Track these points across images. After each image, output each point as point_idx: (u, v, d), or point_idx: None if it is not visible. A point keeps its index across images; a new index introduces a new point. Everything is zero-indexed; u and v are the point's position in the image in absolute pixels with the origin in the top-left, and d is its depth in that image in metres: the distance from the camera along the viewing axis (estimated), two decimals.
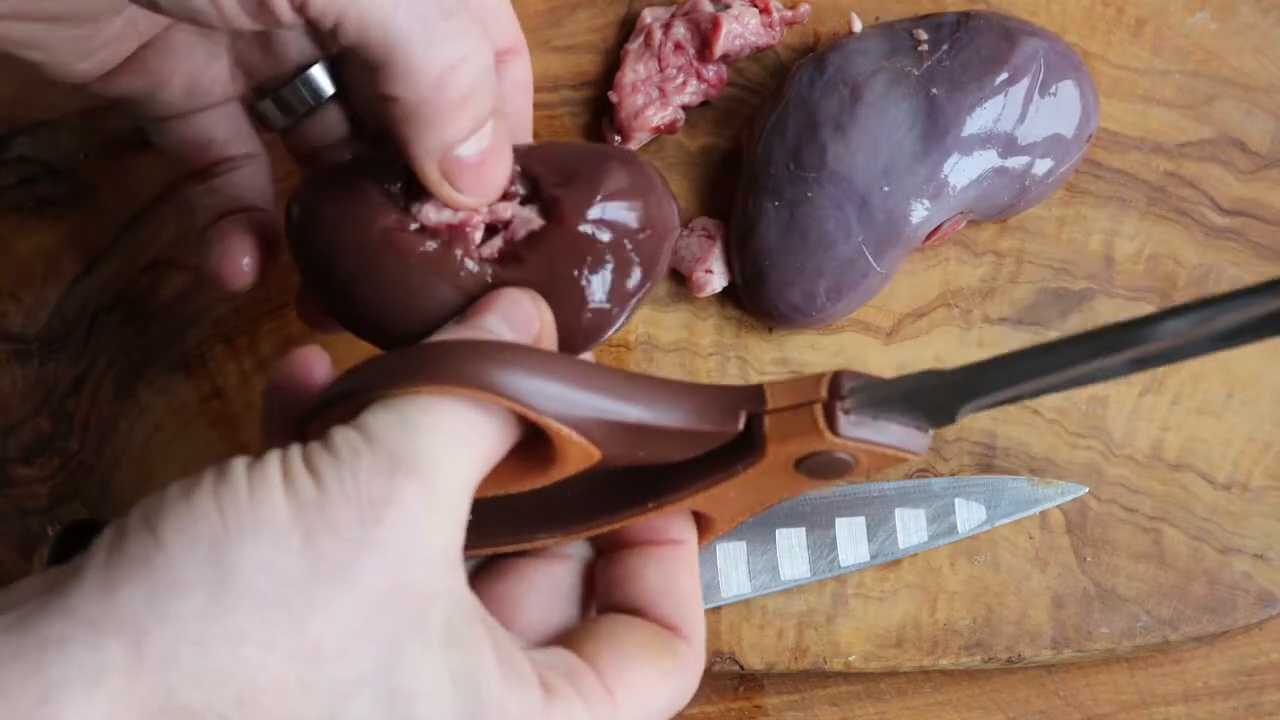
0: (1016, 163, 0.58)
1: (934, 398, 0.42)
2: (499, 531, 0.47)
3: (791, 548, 0.60)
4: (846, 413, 0.42)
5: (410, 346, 0.42)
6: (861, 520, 0.60)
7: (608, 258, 0.47)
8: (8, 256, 0.63)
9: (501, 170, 0.47)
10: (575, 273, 0.47)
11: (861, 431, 0.43)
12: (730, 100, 0.62)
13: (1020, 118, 0.57)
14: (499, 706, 0.39)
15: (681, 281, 0.61)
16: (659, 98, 0.61)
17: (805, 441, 0.43)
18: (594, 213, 0.47)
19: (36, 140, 0.63)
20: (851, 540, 0.60)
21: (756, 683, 0.62)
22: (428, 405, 0.40)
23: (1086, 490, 0.60)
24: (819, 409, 0.42)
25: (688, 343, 0.62)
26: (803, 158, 0.58)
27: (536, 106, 0.62)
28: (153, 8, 0.42)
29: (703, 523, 0.48)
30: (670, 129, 0.61)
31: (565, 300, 0.47)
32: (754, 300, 0.60)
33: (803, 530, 0.60)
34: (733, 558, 0.60)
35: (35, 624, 0.36)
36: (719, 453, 0.44)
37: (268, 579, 0.37)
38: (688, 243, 0.61)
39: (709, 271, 0.60)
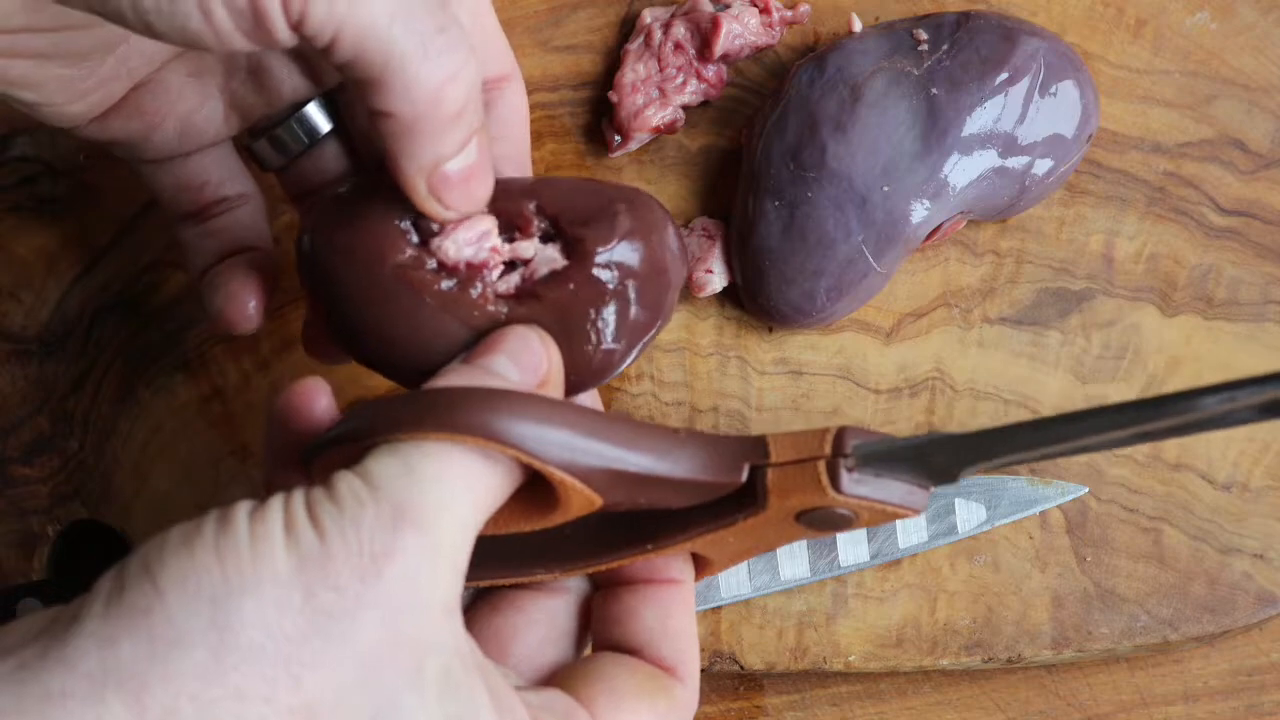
0: (1016, 163, 0.58)
1: (937, 459, 0.42)
2: (497, 566, 0.47)
3: (791, 548, 0.60)
4: (849, 470, 0.42)
5: (416, 390, 0.42)
6: None
7: (623, 298, 0.47)
8: (8, 256, 0.63)
9: (486, 184, 0.46)
10: (591, 312, 0.47)
11: (864, 489, 0.43)
12: (730, 100, 0.62)
13: (1020, 118, 0.57)
14: None
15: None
16: (659, 98, 0.61)
17: (807, 496, 0.43)
18: (614, 253, 0.47)
19: (36, 140, 0.63)
20: (851, 540, 0.60)
21: (756, 683, 0.62)
22: (433, 452, 0.40)
23: (1086, 490, 0.60)
24: (822, 465, 0.42)
25: (688, 343, 0.62)
26: (803, 158, 0.58)
27: (537, 106, 0.62)
28: (148, 33, 0.41)
29: (700, 562, 0.48)
30: (670, 129, 0.61)
31: (577, 339, 0.47)
32: (754, 300, 0.60)
33: None
34: None
35: (35, 676, 0.36)
36: (720, 502, 0.44)
37: (268, 635, 0.37)
38: (688, 243, 0.61)
39: (709, 271, 0.60)
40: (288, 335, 0.62)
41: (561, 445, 0.41)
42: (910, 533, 0.60)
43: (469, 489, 0.40)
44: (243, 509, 0.38)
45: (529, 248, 0.47)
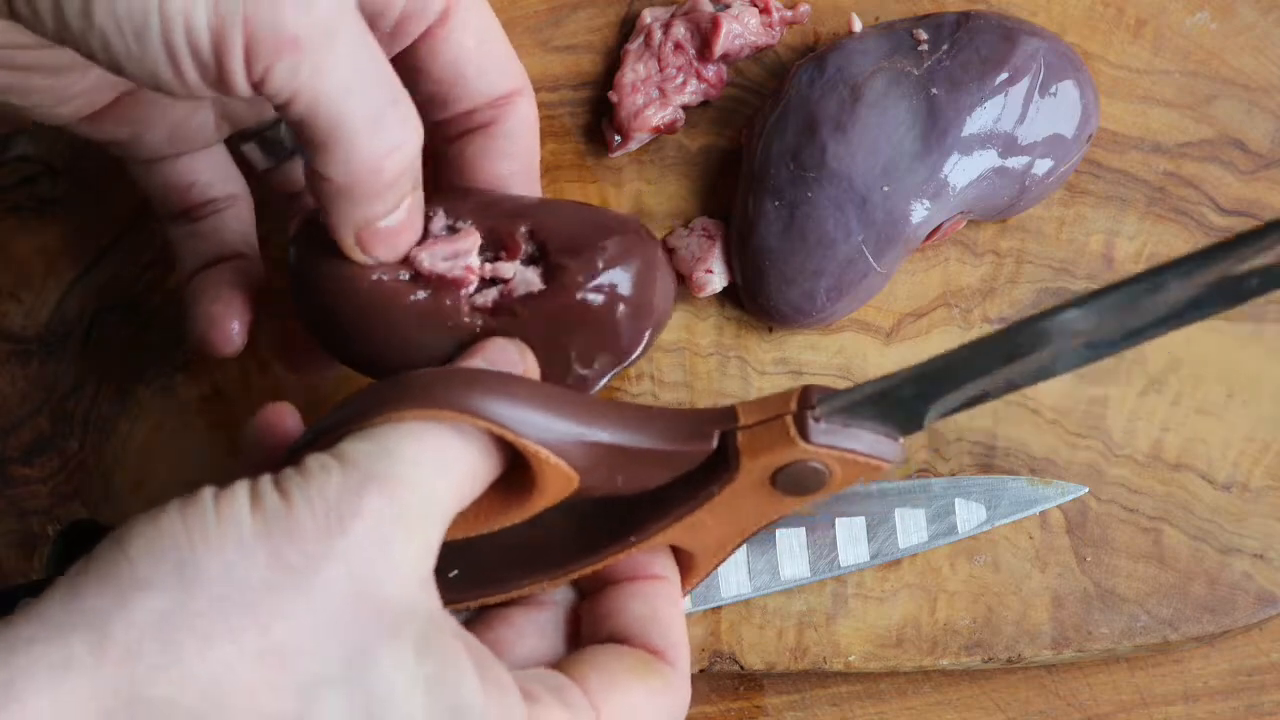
0: (1016, 163, 0.58)
1: (900, 397, 0.43)
2: (486, 580, 0.47)
3: (791, 548, 0.60)
4: (817, 420, 0.43)
5: (393, 377, 0.43)
6: (861, 520, 0.60)
7: (597, 330, 0.48)
8: (8, 256, 0.63)
9: (412, 238, 0.47)
10: (565, 340, 0.47)
11: (833, 439, 0.43)
12: (730, 100, 0.62)
13: (1020, 118, 0.57)
14: (479, 713, 0.40)
15: (681, 281, 0.61)
16: (659, 98, 0.61)
17: (778, 453, 0.43)
18: (595, 286, 0.47)
19: (36, 140, 0.63)
20: (851, 540, 0.60)
21: (756, 683, 0.62)
22: (406, 431, 0.41)
23: (1086, 490, 0.60)
24: (789, 418, 0.43)
25: (688, 343, 0.62)
26: (803, 158, 0.58)
27: (537, 106, 0.62)
28: (118, 73, 0.42)
29: (685, 561, 0.48)
30: (670, 129, 0.61)
31: (549, 364, 0.48)
32: (754, 300, 0.60)
33: (803, 530, 0.60)
34: (733, 558, 0.59)
35: (5, 630, 0.37)
36: (695, 474, 0.45)
37: (232, 584, 0.37)
38: (688, 243, 0.61)
39: (709, 271, 0.60)
40: (287, 335, 0.62)
41: (536, 420, 0.42)
42: (910, 533, 0.60)
43: (443, 465, 0.41)
44: (208, 490, 0.39)
45: (509, 269, 0.48)
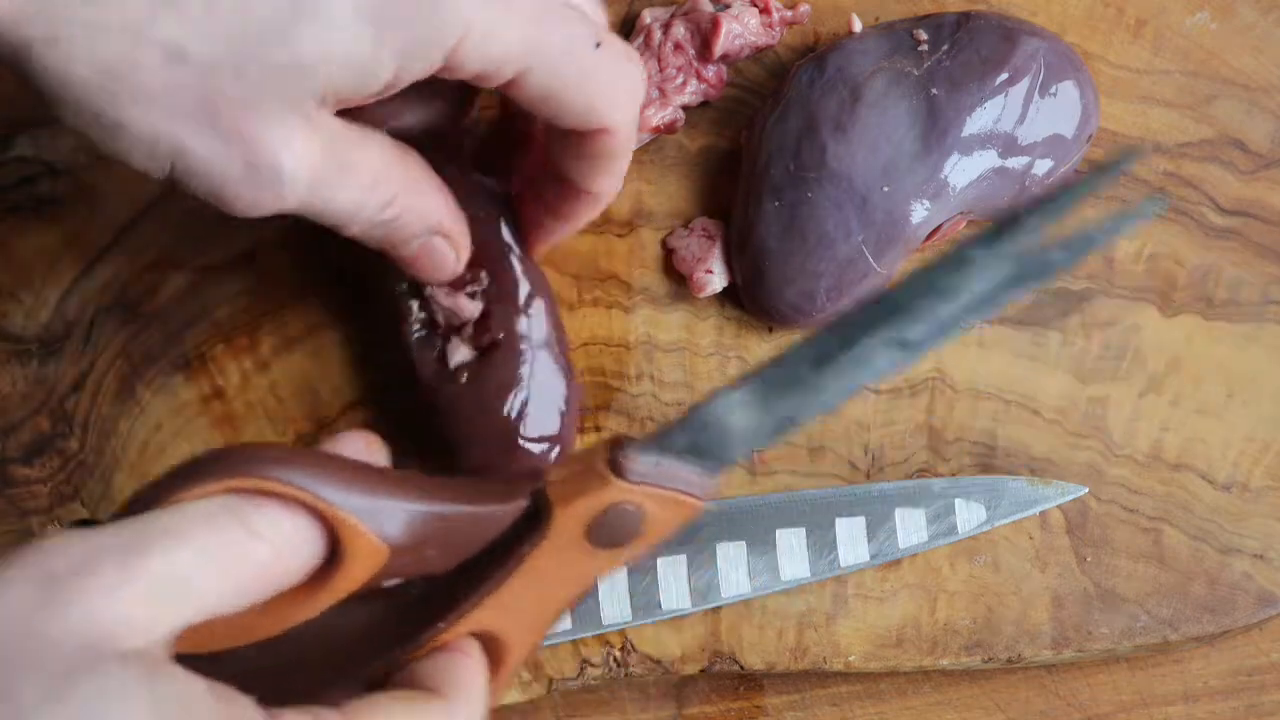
0: (1016, 163, 0.58)
1: (705, 425, 0.43)
2: (284, 692, 0.44)
3: (791, 548, 0.60)
4: (628, 458, 0.43)
5: (206, 453, 0.42)
6: (861, 520, 0.60)
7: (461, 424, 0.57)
8: (8, 256, 0.63)
9: (430, 265, 0.54)
10: (446, 414, 0.57)
11: (647, 475, 0.43)
12: (730, 100, 0.62)
13: (1020, 118, 0.57)
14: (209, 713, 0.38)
15: (681, 281, 0.61)
16: (659, 98, 0.61)
17: (591, 497, 0.43)
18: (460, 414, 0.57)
19: (36, 140, 0.63)
20: (851, 540, 0.60)
21: (756, 683, 0.62)
22: (181, 511, 0.40)
23: (1086, 490, 0.60)
24: (602, 461, 0.43)
25: (688, 343, 0.61)
26: (803, 158, 0.58)
27: None
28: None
29: (497, 652, 0.46)
30: (670, 129, 0.61)
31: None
32: (754, 300, 0.60)
33: (803, 530, 0.60)
34: (733, 558, 0.60)
35: None
36: (506, 538, 0.44)
37: None
38: (688, 243, 0.61)
39: (709, 271, 0.60)
40: (287, 335, 0.62)
41: (339, 487, 0.41)
42: (910, 533, 0.60)
43: (209, 550, 0.39)
44: None
45: (456, 343, 0.57)
